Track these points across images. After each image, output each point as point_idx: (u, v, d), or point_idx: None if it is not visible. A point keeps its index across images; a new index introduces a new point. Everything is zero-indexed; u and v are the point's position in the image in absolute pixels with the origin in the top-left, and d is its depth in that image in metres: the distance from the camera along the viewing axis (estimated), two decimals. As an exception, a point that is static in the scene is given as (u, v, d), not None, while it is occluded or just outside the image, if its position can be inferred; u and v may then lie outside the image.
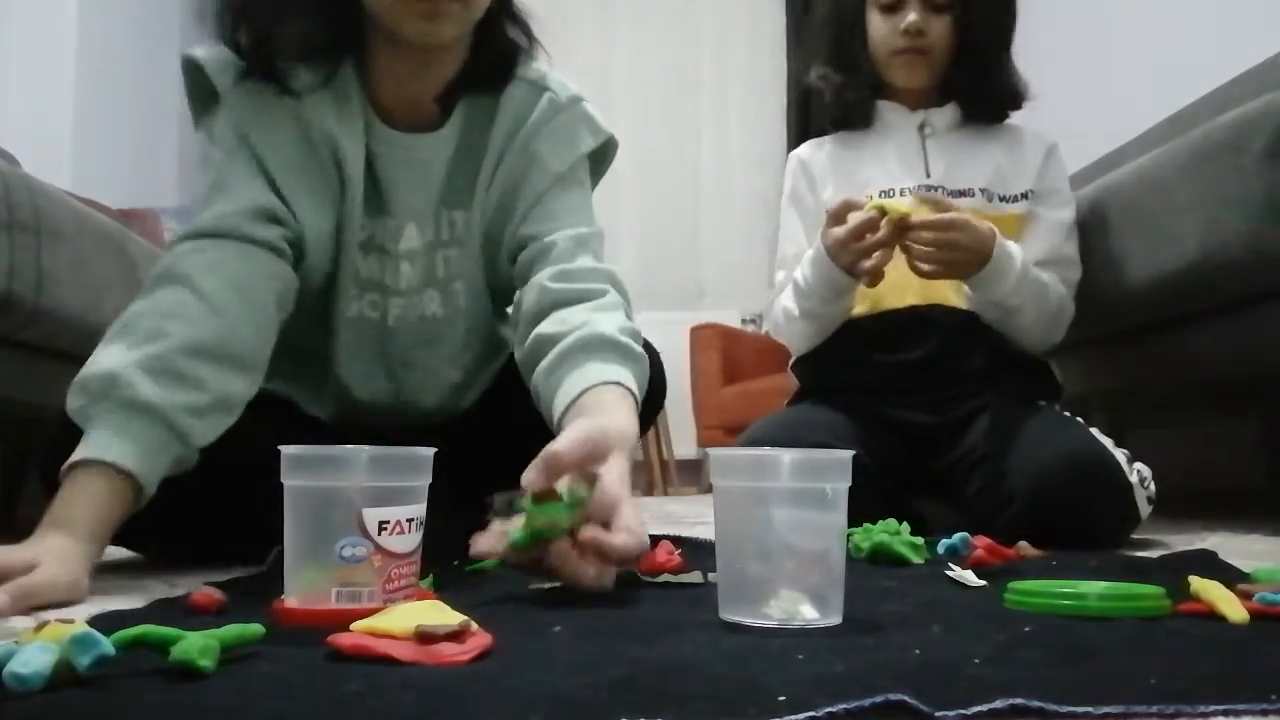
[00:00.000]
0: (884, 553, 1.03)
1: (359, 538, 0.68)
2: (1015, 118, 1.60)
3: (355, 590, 0.68)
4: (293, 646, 0.60)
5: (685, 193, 4.90)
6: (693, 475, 4.26)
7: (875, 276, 1.37)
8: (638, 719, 0.44)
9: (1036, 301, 1.43)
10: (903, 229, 1.35)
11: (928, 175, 1.54)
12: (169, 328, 0.97)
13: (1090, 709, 0.45)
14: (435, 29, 1.05)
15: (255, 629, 0.59)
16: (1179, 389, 1.81)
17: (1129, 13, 3.07)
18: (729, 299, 4.72)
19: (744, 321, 4.59)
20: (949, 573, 0.90)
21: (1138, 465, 1.31)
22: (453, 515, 0.90)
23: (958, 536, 1.04)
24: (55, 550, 0.82)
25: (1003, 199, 1.53)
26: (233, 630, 0.57)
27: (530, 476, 0.78)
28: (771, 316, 1.62)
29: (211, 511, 1.05)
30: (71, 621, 0.56)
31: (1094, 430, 1.36)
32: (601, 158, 1.26)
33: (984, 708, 0.45)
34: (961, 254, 1.36)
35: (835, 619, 0.67)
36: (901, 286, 1.46)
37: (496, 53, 1.16)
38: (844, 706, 0.45)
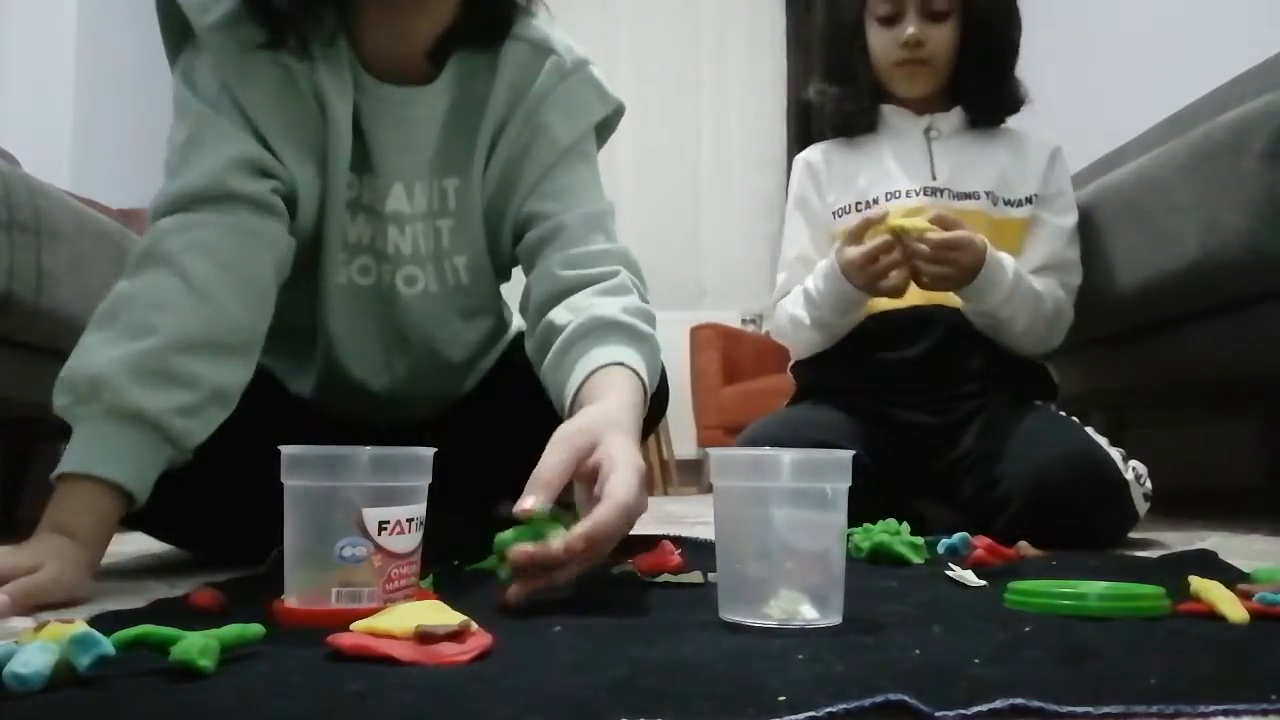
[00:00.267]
0: (884, 553, 1.03)
1: (359, 538, 0.68)
2: (1019, 121, 1.60)
3: (355, 590, 0.68)
4: (293, 646, 0.60)
5: (685, 193, 4.90)
6: (693, 475, 4.26)
7: (899, 290, 1.39)
8: (638, 719, 0.44)
9: (1029, 311, 1.44)
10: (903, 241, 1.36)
11: (934, 178, 1.54)
12: (157, 321, 0.92)
13: (1090, 709, 0.45)
14: None
15: (255, 629, 0.59)
16: (1179, 389, 1.81)
17: (1129, 13, 3.07)
18: (729, 299, 4.73)
19: (744, 321, 4.60)
20: (949, 573, 0.90)
21: (1133, 463, 1.31)
22: (453, 516, 0.89)
23: (958, 536, 1.04)
24: (57, 551, 0.82)
25: (1007, 203, 1.54)
26: (233, 630, 0.57)
27: (525, 506, 0.74)
28: (776, 320, 1.62)
29: (204, 499, 1.02)
30: (71, 621, 0.56)
31: (1089, 429, 1.36)
32: (606, 123, 1.19)
33: (984, 708, 0.45)
34: (957, 271, 1.37)
35: (835, 619, 0.67)
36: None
37: (492, 3, 1.08)
38: (844, 706, 0.45)
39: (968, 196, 1.52)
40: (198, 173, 0.99)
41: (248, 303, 0.99)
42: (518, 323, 1.30)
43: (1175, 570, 0.89)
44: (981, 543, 1.03)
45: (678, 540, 1.10)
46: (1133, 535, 1.33)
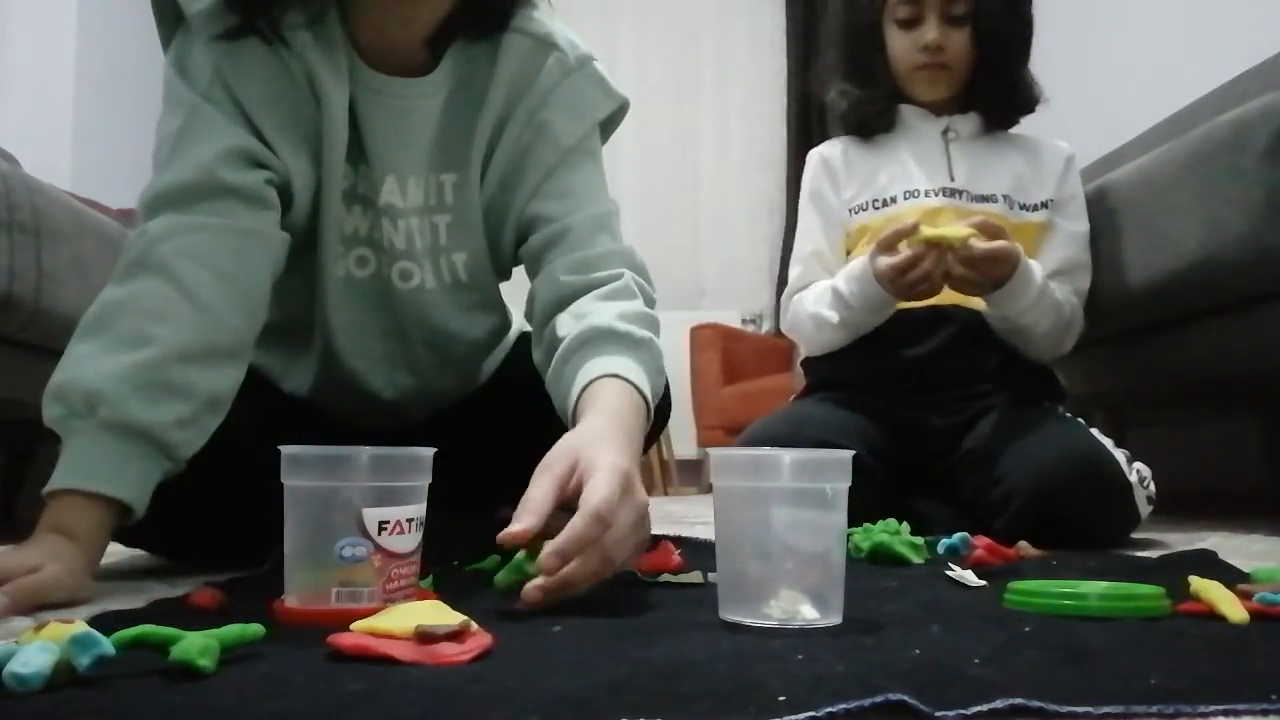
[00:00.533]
0: (884, 553, 1.03)
1: (359, 538, 0.68)
2: (1031, 126, 1.61)
3: (355, 590, 0.68)
4: (293, 646, 0.59)
5: (685, 193, 4.90)
6: (693, 475, 4.26)
7: (933, 293, 1.39)
8: (638, 719, 0.44)
9: (1050, 318, 1.44)
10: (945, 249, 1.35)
11: (951, 179, 1.54)
12: (153, 331, 0.90)
13: (1090, 709, 0.45)
14: None
15: (255, 629, 0.59)
16: (1179, 389, 1.81)
17: (1130, 13, 3.08)
18: (729, 299, 4.73)
19: (744, 321, 4.60)
20: (949, 573, 0.90)
21: (1137, 465, 1.31)
22: (453, 517, 0.89)
23: (958, 536, 1.04)
24: (56, 551, 0.82)
25: (1023, 207, 1.54)
26: (233, 630, 0.57)
27: (513, 531, 0.73)
28: (792, 315, 1.61)
29: (198, 506, 1.00)
30: (71, 621, 0.55)
31: (1094, 430, 1.36)
32: (610, 119, 1.16)
33: (984, 708, 0.45)
34: (991, 279, 1.38)
35: (835, 619, 0.67)
36: None
37: None
38: (844, 706, 0.45)
39: (985, 199, 1.53)
40: (189, 165, 0.97)
41: (244, 308, 0.97)
42: (518, 323, 1.30)
43: (1175, 570, 0.89)
44: (981, 543, 1.03)
45: (678, 540, 1.10)
46: (1133, 535, 1.33)
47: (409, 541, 0.71)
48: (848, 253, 1.59)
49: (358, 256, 1.10)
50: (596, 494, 0.74)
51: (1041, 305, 1.42)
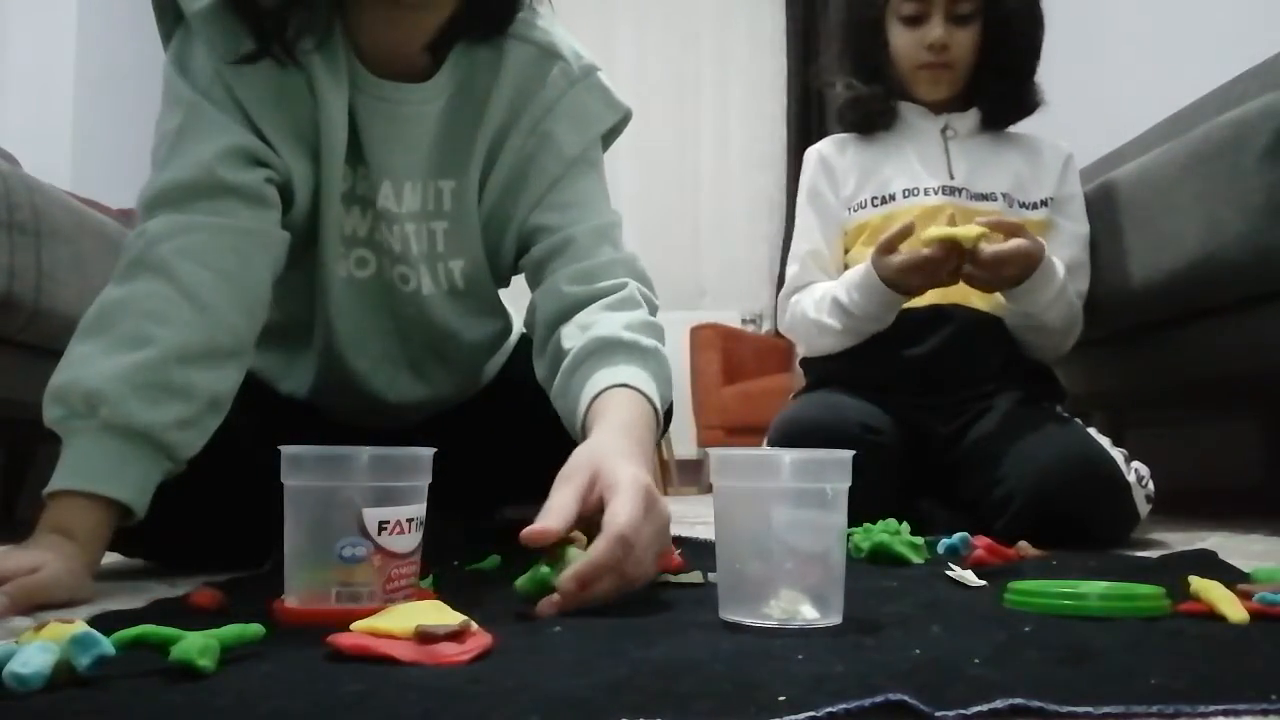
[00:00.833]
0: (884, 553, 1.03)
1: (359, 538, 0.68)
2: (1028, 124, 1.60)
3: (355, 590, 0.68)
4: (293, 646, 0.59)
5: (685, 193, 4.90)
6: (693, 475, 4.26)
7: (952, 282, 1.39)
8: (638, 719, 0.44)
9: (1064, 316, 1.45)
10: (965, 252, 1.35)
11: (951, 177, 1.54)
12: (153, 332, 0.89)
13: (1090, 709, 0.45)
14: None
15: (255, 629, 0.59)
16: (1179, 389, 1.81)
17: (1130, 13, 3.08)
18: (729, 299, 4.73)
19: (744, 321, 4.60)
20: (949, 573, 0.90)
21: (1135, 464, 1.31)
22: (453, 518, 0.88)
23: (958, 536, 1.04)
24: (56, 551, 0.82)
25: (1023, 205, 1.54)
26: (233, 630, 0.57)
27: (537, 531, 0.73)
28: (790, 315, 1.60)
29: (197, 508, 0.99)
30: (71, 621, 0.56)
31: (1092, 430, 1.36)
32: (613, 130, 1.16)
33: (984, 708, 0.45)
34: (1015, 273, 1.38)
35: (835, 619, 0.67)
36: None
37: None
38: (844, 706, 0.45)
39: (985, 198, 1.52)
40: (188, 163, 0.96)
41: (244, 308, 0.97)
42: (519, 326, 1.29)
43: (1175, 570, 0.89)
44: (981, 543, 1.03)
45: (678, 540, 1.10)
46: (1133, 535, 1.33)
47: (409, 541, 0.71)
48: (846, 251, 1.59)
49: (358, 257, 1.10)
50: (621, 516, 0.73)
51: (1061, 301, 1.42)
